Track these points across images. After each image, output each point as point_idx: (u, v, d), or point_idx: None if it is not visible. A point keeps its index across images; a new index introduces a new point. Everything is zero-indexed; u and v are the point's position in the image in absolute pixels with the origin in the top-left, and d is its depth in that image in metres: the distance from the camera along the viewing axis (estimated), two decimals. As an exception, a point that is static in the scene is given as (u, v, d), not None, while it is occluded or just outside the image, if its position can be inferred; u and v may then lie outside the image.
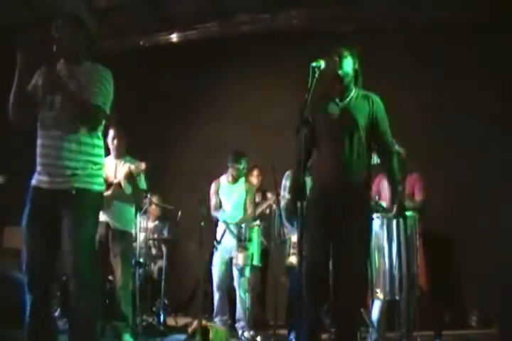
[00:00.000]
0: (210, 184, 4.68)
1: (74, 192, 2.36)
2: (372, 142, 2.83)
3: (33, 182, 2.46)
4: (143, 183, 4.05)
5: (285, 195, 4.19)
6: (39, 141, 2.45)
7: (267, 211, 4.68)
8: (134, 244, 4.49)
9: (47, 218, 2.39)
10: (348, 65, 2.80)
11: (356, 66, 2.85)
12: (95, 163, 2.47)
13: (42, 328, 2.37)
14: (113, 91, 2.48)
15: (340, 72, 2.76)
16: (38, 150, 2.44)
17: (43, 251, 2.39)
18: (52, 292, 2.46)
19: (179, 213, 5.12)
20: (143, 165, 3.82)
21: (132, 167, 3.85)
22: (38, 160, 2.45)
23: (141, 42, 6.48)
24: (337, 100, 2.81)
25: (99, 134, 2.51)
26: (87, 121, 2.37)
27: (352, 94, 2.82)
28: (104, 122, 2.51)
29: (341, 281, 2.68)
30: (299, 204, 2.54)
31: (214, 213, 4.58)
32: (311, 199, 2.81)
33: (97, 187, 2.46)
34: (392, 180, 2.89)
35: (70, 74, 2.39)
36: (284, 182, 4.27)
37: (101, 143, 2.54)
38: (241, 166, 4.54)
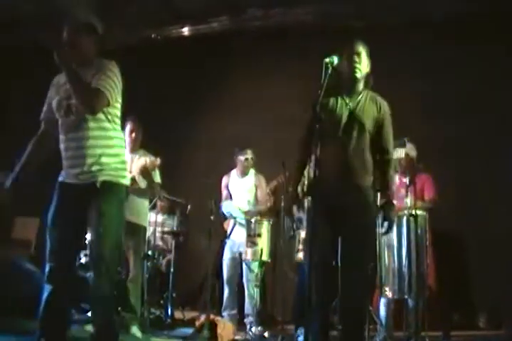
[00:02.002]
0: (221, 178, 4.68)
1: (98, 185, 2.41)
2: (373, 145, 2.77)
3: (60, 178, 2.53)
4: (157, 177, 4.07)
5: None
6: (61, 146, 2.52)
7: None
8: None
9: (72, 211, 2.45)
10: (365, 66, 2.77)
11: (369, 68, 2.81)
12: (118, 155, 2.51)
13: (56, 317, 2.41)
14: (120, 82, 2.49)
15: (358, 74, 2.73)
16: (63, 154, 2.51)
17: (66, 243, 2.44)
18: (71, 283, 2.48)
19: (189, 207, 5.13)
20: (158, 160, 3.84)
21: (148, 162, 3.86)
22: (64, 163, 2.51)
23: (152, 35, 6.47)
24: (346, 100, 2.76)
25: (117, 126, 2.54)
26: (88, 103, 2.38)
27: (361, 95, 2.78)
28: (118, 114, 2.53)
29: (346, 277, 2.67)
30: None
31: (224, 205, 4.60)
32: (314, 196, 2.80)
33: (121, 181, 2.51)
34: (386, 193, 2.78)
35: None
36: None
37: (119, 134, 2.57)
38: (244, 157, 4.51)
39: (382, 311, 3.77)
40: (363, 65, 2.76)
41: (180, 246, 4.98)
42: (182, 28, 6.36)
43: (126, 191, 2.56)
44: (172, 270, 4.73)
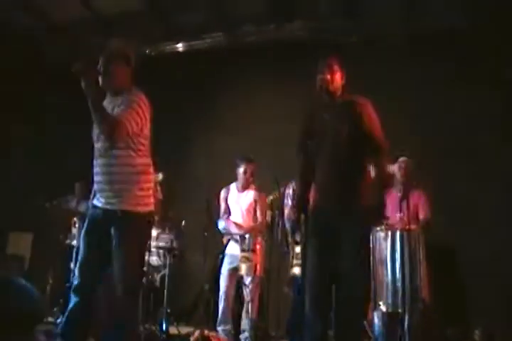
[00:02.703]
0: (216, 193, 4.69)
1: (120, 214, 2.57)
2: (362, 147, 2.78)
3: (93, 200, 2.73)
4: (159, 194, 4.07)
5: (288, 203, 4.22)
6: (94, 170, 2.70)
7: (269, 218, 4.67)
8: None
9: (98, 234, 2.63)
10: (338, 79, 2.82)
11: (343, 81, 2.86)
12: (141, 182, 2.65)
13: (77, 327, 2.57)
14: (145, 112, 2.63)
15: (331, 87, 2.78)
16: (94, 177, 2.70)
17: (92, 262, 2.62)
18: (96, 298, 2.65)
19: (183, 222, 5.13)
20: (160, 176, 3.84)
21: None
22: (94, 186, 2.71)
23: (147, 51, 6.52)
24: (323, 113, 2.80)
25: (141, 153, 2.67)
26: (107, 132, 2.51)
27: (338, 104, 2.83)
28: (143, 142, 2.67)
29: (340, 295, 2.68)
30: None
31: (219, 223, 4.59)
32: (310, 213, 2.83)
33: (141, 209, 2.64)
34: (379, 181, 2.78)
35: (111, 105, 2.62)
36: (286, 191, 4.29)
37: (144, 161, 2.69)
38: (248, 168, 4.51)
39: (377, 325, 3.76)
40: (336, 78, 2.80)
41: (174, 261, 4.97)
42: (176, 44, 6.42)
43: (150, 216, 2.69)
44: (166, 285, 4.71)
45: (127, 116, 2.52)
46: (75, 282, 2.60)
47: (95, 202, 2.71)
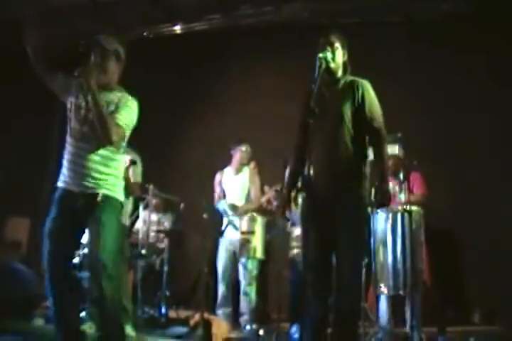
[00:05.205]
0: (214, 175, 4.66)
1: (99, 198, 2.56)
2: (362, 128, 2.73)
3: (61, 184, 2.63)
4: (136, 176, 4.02)
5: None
6: (68, 148, 2.65)
7: (265, 205, 4.65)
8: (137, 236, 4.51)
9: (70, 221, 2.57)
10: (340, 57, 2.78)
11: (345, 58, 2.82)
12: (116, 176, 2.69)
13: (68, 317, 2.57)
14: (136, 118, 2.69)
15: (332, 65, 2.74)
16: (66, 156, 2.65)
17: (62, 253, 2.59)
18: (75, 288, 2.69)
19: (182, 205, 5.10)
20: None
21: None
22: (65, 164, 2.64)
23: (144, 34, 6.43)
24: (324, 90, 2.73)
25: (120, 150, 2.71)
26: (107, 137, 2.54)
27: (339, 83, 2.78)
28: (124, 140, 2.69)
29: (337, 276, 2.64)
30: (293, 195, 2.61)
31: (217, 203, 4.57)
32: (305, 190, 2.78)
33: (118, 196, 2.67)
34: (380, 166, 2.72)
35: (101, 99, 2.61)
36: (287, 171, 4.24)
37: (121, 157, 2.75)
38: (243, 148, 4.53)
39: (382, 308, 3.75)
40: (337, 55, 2.77)
41: (174, 245, 4.95)
42: (174, 26, 6.34)
43: (122, 205, 2.72)
44: (166, 269, 4.70)
45: (126, 122, 2.60)
46: (47, 277, 2.53)
47: (65, 185, 2.62)
